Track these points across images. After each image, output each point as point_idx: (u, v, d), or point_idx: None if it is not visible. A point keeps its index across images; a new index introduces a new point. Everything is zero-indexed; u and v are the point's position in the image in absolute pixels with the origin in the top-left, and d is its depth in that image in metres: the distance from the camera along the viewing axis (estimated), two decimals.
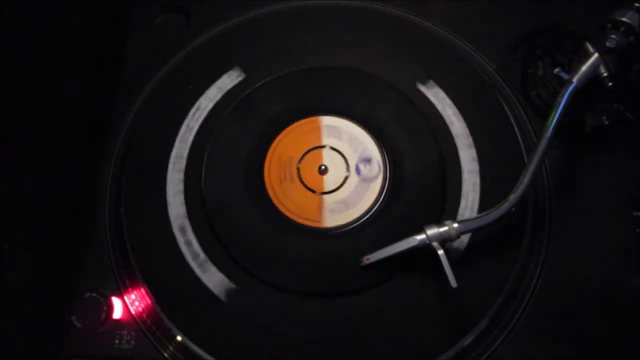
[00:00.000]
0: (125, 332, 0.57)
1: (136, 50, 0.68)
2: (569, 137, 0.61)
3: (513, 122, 0.62)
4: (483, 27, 0.68)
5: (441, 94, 0.63)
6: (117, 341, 0.56)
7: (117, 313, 0.57)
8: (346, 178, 0.60)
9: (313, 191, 0.60)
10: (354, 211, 0.59)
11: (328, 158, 0.61)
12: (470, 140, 0.61)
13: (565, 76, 0.56)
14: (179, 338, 0.55)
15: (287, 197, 0.60)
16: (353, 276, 0.56)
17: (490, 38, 0.67)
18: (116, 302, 0.57)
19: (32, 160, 0.57)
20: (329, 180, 0.61)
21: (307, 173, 0.61)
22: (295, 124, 0.63)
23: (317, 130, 0.62)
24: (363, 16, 0.69)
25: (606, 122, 0.60)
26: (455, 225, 0.52)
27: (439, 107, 0.62)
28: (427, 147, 0.61)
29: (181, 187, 0.60)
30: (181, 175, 0.61)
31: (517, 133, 0.61)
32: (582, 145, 0.62)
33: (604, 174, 0.60)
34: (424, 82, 0.63)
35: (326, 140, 0.62)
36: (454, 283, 0.51)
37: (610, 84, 0.55)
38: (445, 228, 0.52)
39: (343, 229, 0.58)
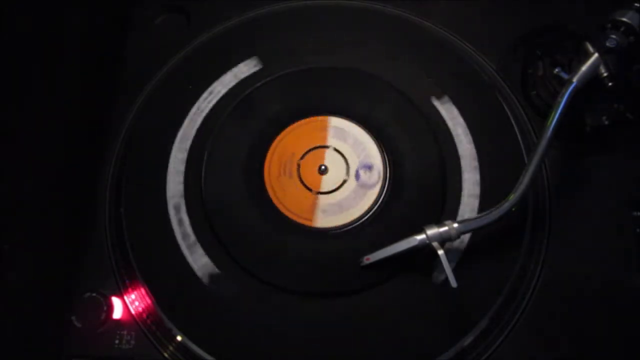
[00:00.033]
0: (125, 332, 0.57)
1: (136, 50, 0.68)
2: (569, 137, 0.61)
3: (513, 122, 0.62)
4: (483, 27, 0.68)
5: (455, 111, 0.62)
6: (117, 341, 0.56)
7: (117, 313, 0.57)
8: (344, 181, 0.60)
9: (310, 189, 0.60)
10: (346, 215, 0.59)
11: (330, 159, 0.61)
12: (476, 163, 0.60)
13: (565, 76, 0.56)
14: (179, 338, 0.55)
15: (283, 191, 0.60)
16: (353, 276, 0.56)
17: (490, 38, 0.67)
18: (116, 302, 0.57)
19: (32, 160, 0.57)
20: (327, 181, 0.61)
21: (307, 171, 0.61)
22: (303, 121, 0.63)
23: (324, 129, 0.62)
24: (363, 16, 0.69)
25: (606, 122, 0.60)
26: (455, 225, 0.52)
27: (450, 124, 0.62)
28: (427, 147, 0.61)
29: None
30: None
31: (517, 133, 0.61)
32: (582, 145, 0.62)
33: (604, 174, 0.60)
34: (439, 98, 0.63)
35: (331, 141, 0.62)
36: (454, 283, 0.51)
37: (610, 84, 0.55)
38: (445, 228, 0.52)
39: (343, 229, 0.58)
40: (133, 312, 0.57)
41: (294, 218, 0.59)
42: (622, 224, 0.58)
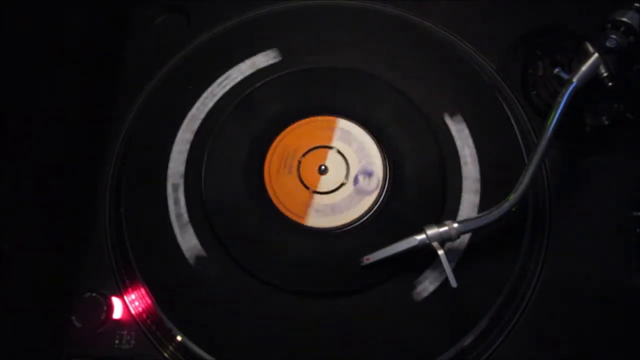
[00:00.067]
0: (125, 332, 0.57)
1: (136, 50, 0.68)
2: (569, 137, 0.61)
3: (513, 122, 0.62)
4: (483, 27, 0.68)
5: (465, 131, 0.61)
6: (117, 341, 0.56)
7: (117, 313, 0.57)
8: (342, 184, 0.60)
9: (307, 187, 0.60)
10: (338, 218, 0.59)
11: (331, 160, 0.61)
12: (477, 185, 0.60)
13: (565, 76, 0.56)
14: (179, 338, 0.55)
15: (280, 185, 0.60)
16: (353, 276, 0.56)
17: (490, 38, 0.67)
18: (116, 302, 0.57)
19: (32, 160, 0.57)
20: (325, 182, 0.61)
21: (307, 168, 0.61)
22: (311, 119, 0.63)
23: (331, 130, 0.62)
24: (363, 16, 0.69)
25: (606, 122, 0.60)
26: (455, 225, 0.52)
27: (458, 144, 0.61)
28: (427, 147, 0.61)
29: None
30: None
31: (517, 133, 0.61)
32: (582, 145, 0.62)
33: (604, 174, 0.60)
34: (452, 116, 0.62)
35: (336, 143, 0.62)
36: (454, 283, 0.51)
37: (610, 84, 0.55)
38: (445, 228, 0.52)
39: (343, 229, 0.58)
40: (133, 312, 0.57)
41: (286, 213, 0.59)
42: (622, 224, 0.58)
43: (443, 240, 0.53)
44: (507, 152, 0.61)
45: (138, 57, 0.68)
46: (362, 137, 0.62)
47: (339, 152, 0.61)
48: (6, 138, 0.55)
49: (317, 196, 0.60)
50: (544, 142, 0.53)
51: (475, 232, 0.56)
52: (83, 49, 0.65)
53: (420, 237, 0.53)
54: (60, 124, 0.61)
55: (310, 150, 0.62)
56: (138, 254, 0.58)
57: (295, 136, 0.62)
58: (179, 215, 0.59)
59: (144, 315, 0.57)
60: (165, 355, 0.56)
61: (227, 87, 0.64)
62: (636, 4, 0.56)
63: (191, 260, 0.57)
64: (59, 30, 0.62)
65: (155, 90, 0.66)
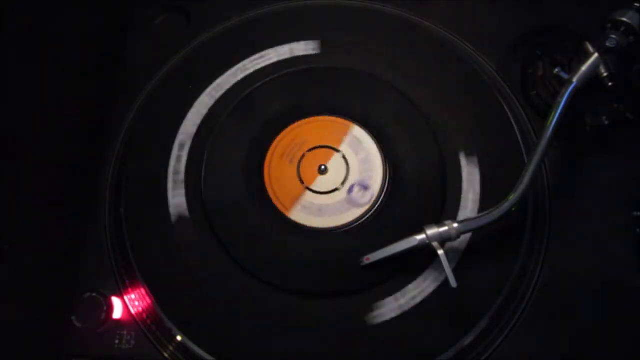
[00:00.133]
0: (125, 332, 0.57)
1: (136, 50, 0.68)
2: (569, 137, 0.61)
3: (513, 122, 0.62)
4: (483, 27, 0.68)
5: (477, 177, 0.60)
6: (117, 341, 0.56)
7: (117, 313, 0.57)
8: (336, 189, 0.60)
9: (302, 181, 0.60)
10: (321, 220, 0.59)
11: (334, 163, 0.61)
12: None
13: (565, 76, 0.56)
14: (179, 338, 0.55)
15: (277, 172, 0.60)
16: (353, 276, 0.56)
17: (490, 38, 0.67)
18: (116, 302, 0.57)
19: (32, 160, 0.57)
20: (321, 182, 0.61)
21: (308, 164, 0.61)
22: (328, 118, 0.63)
23: (343, 134, 0.62)
24: (363, 16, 0.69)
25: (606, 122, 0.60)
26: (455, 225, 0.52)
27: (465, 187, 0.59)
28: (427, 147, 0.61)
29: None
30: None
31: (517, 133, 0.61)
32: (582, 145, 0.62)
33: (604, 174, 0.60)
34: (467, 155, 0.61)
35: (344, 147, 0.62)
36: (454, 283, 0.51)
37: (610, 84, 0.55)
38: (445, 228, 0.52)
39: (343, 229, 0.58)
40: (133, 312, 0.57)
41: (274, 201, 0.59)
42: (622, 224, 0.58)
43: (443, 240, 0.53)
44: (507, 152, 0.61)
45: (138, 57, 0.68)
46: (371, 149, 0.61)
47: (344, 157, 0.61)
48: (6, 138, 0.54)
49: (308, 193, 0.60)
50: (544, 142, 0.53)
51: (475, 232, 0.56)
52: (83, 49, 0.65)
53: (420, 237, 0.53)
54: (60, 124, 0.61)
55: (317, 147, 0.62)
56: (138, 254, 0.58)
57: (308, 129, 0.62)
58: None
59: (144, 315, 0.57)
60: (165, 355, 0.56)
61: (275, 60, 0.65)
62: (636, 4, 0.56)
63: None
64: (59, 30, 0.62)
65: (155, 90, 0.66)
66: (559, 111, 0.54)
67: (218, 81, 0.65)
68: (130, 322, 0.57)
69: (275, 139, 0.62)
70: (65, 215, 0.60)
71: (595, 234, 0.58)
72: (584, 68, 0.55)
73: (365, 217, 0.59)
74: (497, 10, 0.68)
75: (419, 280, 0.56)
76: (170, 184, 0.60)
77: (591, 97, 0.58)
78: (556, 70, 0.57)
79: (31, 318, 0.55)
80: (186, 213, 0.59)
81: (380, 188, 0.60)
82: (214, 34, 0.69)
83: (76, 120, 0.63)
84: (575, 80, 0.55)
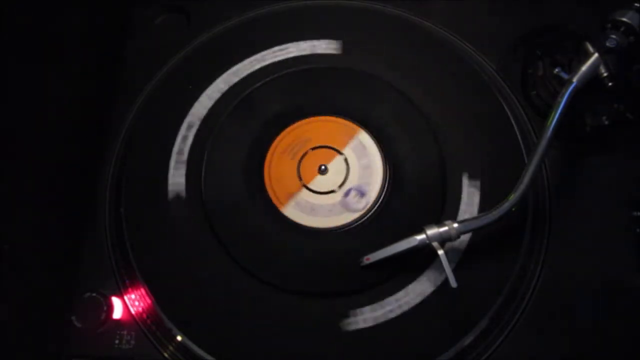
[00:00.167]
0: (125, 332, 0.57)
1: (136, 50, 0.68)
2: (569, 137, 0.61)
3: (513, 122, 0.62)
4: (483, 27, 0.68)
5: (476, 199, 0.59)
6: (117, 341, 0.56)
7: (117, 313, 0.57)
8: (332, 191, 0.60)
9: (300, 178, 0.60)
10: (312, 220, 0.59)
11: (335, 165, 0.61)
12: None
13: (565, 76, 0.56)
14: (179, 338, 0.55)
15: (277, 168, 0.60)
16: (353, 276, 0.56)
17: (490, 38, 0.67)
18: (116, 302, 0.57)
19: (32, 160, 0.57)
20: (319, 182, 0.61)
21: (309, 162, 0.61)
22: (338, 119, 0.62)
23: (350, 137, 0.62)
24: (363, 16, 0.69)
25: (606, 122, 0.60)
26: (455, 225, 0.52)
27: (462, 207, 0.59)
28: (427, 147, 0.61)
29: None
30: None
31: (517, 133, 0.61)
32: (582, 145, 0.62)
33: (604, 174, 0.60)
34: (471, 178, 0.60)
35: (347, 151, 0.62)
36: (454, 283, 0.51)
37: (610, 84, 0.55)
38: (445, 228, 0.52)
39: (343, 229, 0.58)
40: (133, 312, 0.57)
41: (270, 194, 0.59)
42: (622, 224, 0.58)
43: (443, 240, 0.53)
44: (507, 152, 0.61)
45: (138, 57, 0.68)
46: (374, 157, 0.61)
47: (345, 160, 0.61)
48: (6, 138, 0.54)
49: (304, 191, 0.60)
50: (544, 142, 0.53)
51: (475, 232, 0.56)
52: (83, 49, 0.65)
53: (420, 237, 0.53)
54: (60, 124, 0.61)
55: (321, 147, 0.62)
56: (138, 254, 0.58)
57: (316, 128, 0.62)
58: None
59: (144, 315, 0.57)
60: (165, 355, 0.56)
61: (294, 54, 0.65)
62: (636, 4, 0.56)
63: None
64: (59, 30, 0.62)
65: (155, 90, 0.66)
66: (559, 111, 0.54)
67: (235, 67, 0.65)
68: (130, 322, 0.57)
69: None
70: (65, 215, 0.60)
71: (595, 234, 0.58)
72: (584, 68, 0.55)
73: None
74: (497, 10, 0.68)
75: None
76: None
77: (591, 97, 0.58)
78: (556, 70, 0.57)
79: (31, 318, 0.55)
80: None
81: (377, 196, 0.59)
82: (214, 34, 0.69)
83: (76, 120, 0.63)
84: (575, 80, 0.55)
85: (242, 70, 0.65)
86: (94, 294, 0.57)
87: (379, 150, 0.61)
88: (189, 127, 0.63)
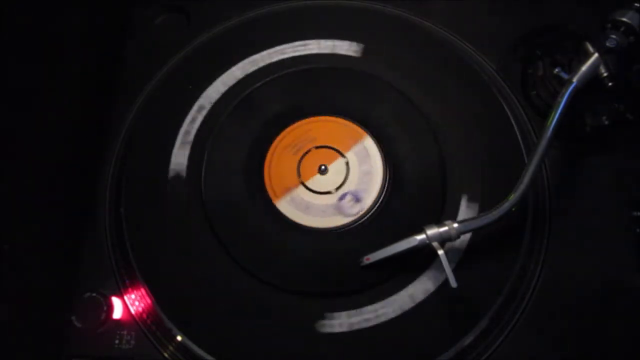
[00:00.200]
0: (125, 332, 0.57)
1: (136, 50, 0.68)
2: (569, 137, 0.61)
3: (513, 122, 0.62)
4: (483, 27, 0.68)
5: (476, 199, 0.59)
6: (117, 341, 0.56)
7: (117, 313, 0.57)
8: (328, 192, 0.60)
9: (299, 175, 0.60)
10: (304, 218, 0.59)
11: (335, 166, 0.61)
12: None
13: (565, 76, 0.56)
14: (179, 338, 0.55)
15: (279, 160, 0.60)
16: (353, 276, 0.56)
17: (490, 38, 0.67)
18: (116, 302, 0.57)
19: (32, 160, 0.57)
20: (317, 181, 0.61)
21: (311, 160, 0.61)
22: (346, 122, 0.62)
23: (354, 141, 0.62)
24: (363, 16, 0.69)
25: (606, 122, 0.60)
26: (455, 225, 0.52)
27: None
28: (427, 147, 0.61)
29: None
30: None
31: (517, 133, 0.61)
32: (582, 145, 0.62)
33: (604, 174, 0.60)
34: (469, 198, 0.59)
35: (350, 155, 0.61)
36: (453, 283, 0.51)
37: (610, 84, 0.55)
38: (445, 228, 0.52)
39: (343, 229, 0.58)
40: (133, 312, 0.57)
41: (267, 186, 0.59)
42: (622, 224, 0.58)
43: (443, 240, 0.53)
44: (507, 152, 0.61)
45: (138, 57, 0.68)
46: (376, 164, 0.61)
47: (347, 164, 0.61)
48: (6, 138, 0.54)
49: (301, 188, 0.60)
50: (544, 142, 0.53)
51: (475, 232, 0.56)
52: (83, 49, 0.65)
53: (420, 237, 0.53)
54: (60, 124, 0.61)
55: (325, 147, 0.62)
56: (138, 254, 0.58)
57: (323, 127, 0.62)
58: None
59: (144, 315, 0.57)
60: (165, 355, 0.56)
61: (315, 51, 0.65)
62: (636, 4, 0.56)
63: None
64: (59, 30, 0.62)
65: (155, 90, 0.66)
66: (559, 111, 0.54)
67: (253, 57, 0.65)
68: (130, 322, 0.57)
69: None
70: (65, 215, 0.60)
71: (595, 234, 0.58)
72: (584, 68, 0.55)
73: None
74: (497, 10, 0.68)
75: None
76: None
77: (591, 97, 0.58)
78: (556, 70, 0.57)
79: (31, 318, 0.55)
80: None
81: (373, 202, 0.59)
82: (214, 34, 0.69)
83: (76, 120, 0.63)
84: (575, 80, 0.55)
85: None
86: (94, 294, 0.57)
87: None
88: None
